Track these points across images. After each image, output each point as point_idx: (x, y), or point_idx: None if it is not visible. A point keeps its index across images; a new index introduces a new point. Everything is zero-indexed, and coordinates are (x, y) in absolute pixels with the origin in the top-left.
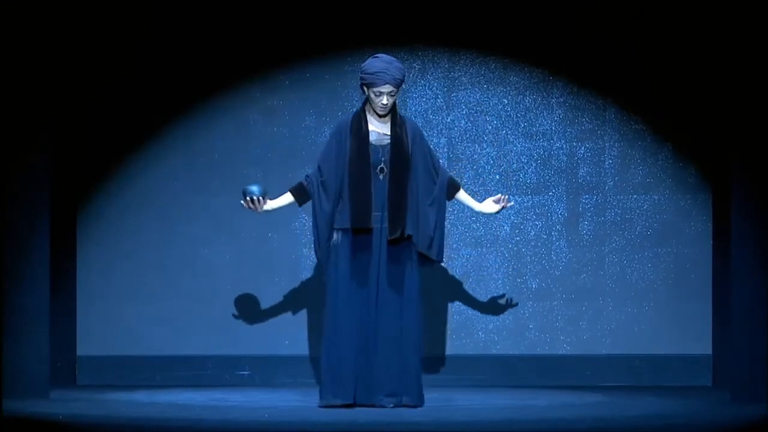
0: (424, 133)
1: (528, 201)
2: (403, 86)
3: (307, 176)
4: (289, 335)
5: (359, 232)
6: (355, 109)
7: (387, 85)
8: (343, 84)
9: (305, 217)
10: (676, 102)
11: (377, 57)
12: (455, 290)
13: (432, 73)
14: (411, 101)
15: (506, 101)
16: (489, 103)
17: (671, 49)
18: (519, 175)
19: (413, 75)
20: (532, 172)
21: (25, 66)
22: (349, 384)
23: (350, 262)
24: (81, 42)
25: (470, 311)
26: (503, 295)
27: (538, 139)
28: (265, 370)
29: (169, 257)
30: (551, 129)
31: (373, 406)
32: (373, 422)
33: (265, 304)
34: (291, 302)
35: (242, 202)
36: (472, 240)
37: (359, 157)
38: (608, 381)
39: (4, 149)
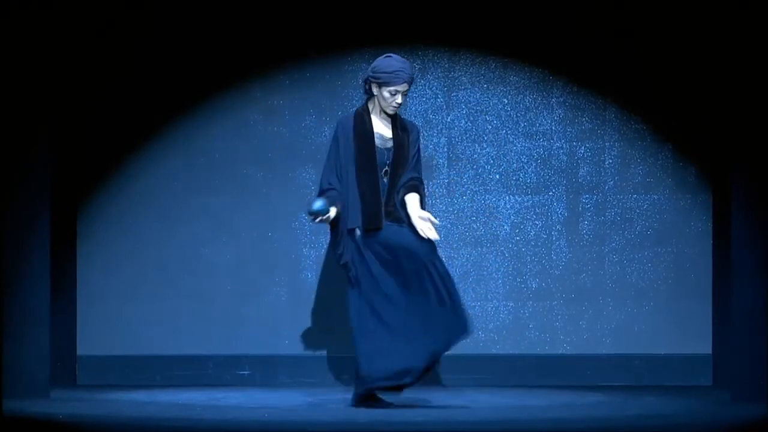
0: (423, 133)
1: (528, 201)
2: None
3: (330, 183)
4: (289, 335)
5: (369, 230)
6: (354, 109)
7: (404, 84)
8: (343, 84)
9: (305, 217)
10: (676, 102)
11: (390, 56)
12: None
13: (432, 73)
14: (411, 101)
15: (506, 101)
16: (489, 103)
17: (671, 49)
18: (519, 174)
19: (413, 75)
20: (532, 172)
21: (25, 66)
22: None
23: (368, 253)
24: (81, 42)
25: (470, 311)
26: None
27: (538, 139)
28: (265, 370)
29: (169, 257)
30: (551, 129)
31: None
32: (373, 422)
33: (265, 304)
34: (291, 302)
35: (314, 220)
36: (472, 240)
37: (368, 161)
38: (608, 381)
39: (4, 149)
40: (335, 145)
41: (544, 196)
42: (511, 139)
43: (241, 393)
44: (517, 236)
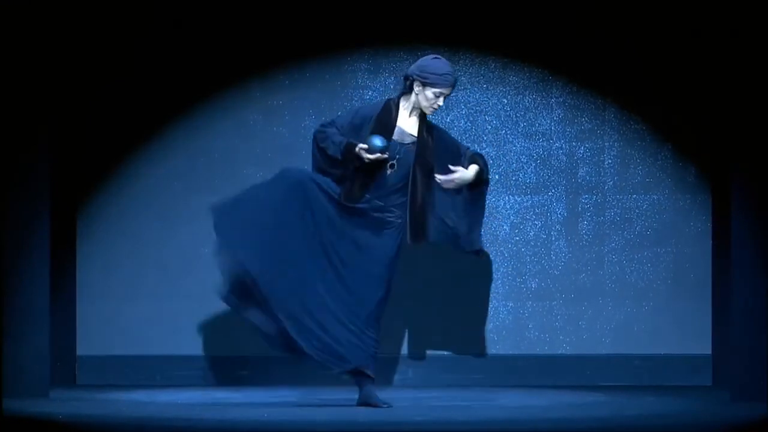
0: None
1: (527, 201)
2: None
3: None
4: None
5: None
6: (386, 97)
7: (449, 88)
8: (343, 84)
9: None
10: (676, 102)
11: (439, 59)
12: (455, 290)
13: None
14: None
15: (506, 101)
16: (488, 103)
17: (671, 49)
18: (518, 174)
19: None
20: (532, 172)
21: (25, 66)
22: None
23: (339, 220)
24: (81, 42)
25: (470, 311)
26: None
27: (538, 139)
28: (265, 370)
29: (169, 257)
30: (551, 129)
31: None
32: (373, 422)
33: None
34: None
35: (369, 156)
36: None
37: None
38: (608, 381)
39: (4, 149)
40: (352, 115)
41: (543, 196)
42: (510, 140)
43: (241, 393)
44: (516, 236)
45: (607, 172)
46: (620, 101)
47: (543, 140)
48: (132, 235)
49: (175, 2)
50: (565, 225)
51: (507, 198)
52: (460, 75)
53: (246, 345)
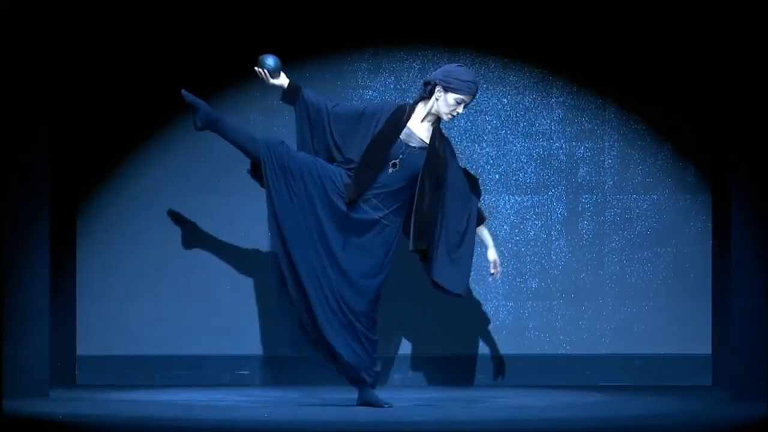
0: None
1: (527, 201)
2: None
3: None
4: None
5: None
6: (407, 101)
7: (471, 96)
8: (342, 84)
9: None
10: (676, 102)
11: (462, 66)
12: None
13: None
14: (411, 101)
15: (506, 101)
16: (488, 103)
17: (671, 49)
18: (518, 174)
19: (413, 75)
20: (532, 172)
21: (25, 66)
22: None
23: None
24: (81, 42)
25: (470, 311)
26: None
27: (538, 139)
28: (265, 370)
29: (169, 257)
30: (551, 129)
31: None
32: (373, 422)
33: (265, 304)
34: None
35: (256, 68)
36: None
37: (383, 144)
38: (608, 381)
39: (4, 149)
40: (367, 106)
41: (543, 196)
42: (510, 139)
43: (241, 393)
44: (516, 236)
45: (607, 172)
46: (620, 101)
47: (543, 140)
48: (132, 234)
49: (174, 2)
50: (565, 225)
51: (507, 198)
52: None
53: (246, 345)
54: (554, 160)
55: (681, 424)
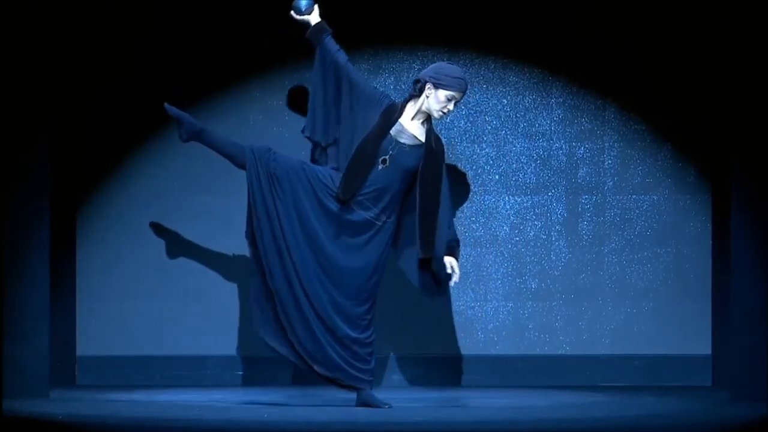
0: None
1: (527, 201)
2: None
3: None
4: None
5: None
6: (399, 99)
7: (461, 93)
8: None
9: None
10: (676, 102)
11: (453, 63)
12: (454, 290)
13: None
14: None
15: (505, 101)
16: (488, 104)
17: (671, 49)
18: (518, 175)
19: (413, 75)
20: (532, 173)
21: (25, 66)
22: None
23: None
24: (81, 42)
25: (470, 311)
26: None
27: (538, 140)
28: (264, 370)
29: (169, 257)
30: (550, 129)
31: None
32: (373, 422)
33: None
34: None
35: (292, 13)
36: (472, 240)
37: (374, 140)
38: (608, 381)
39: (4, 149)
40: (372, 88)
41: (543, 196)
42: (510, 140)
43: (241, 393)
44: (516, 237)
45: (607, 173)
46: (620, 101)
47: (543, 140)
48: (132, 235)
49: (174, 2)
50: (565, 225)
51: (507, 198)
52: None
53: (246, 345)
54: (554, 160)
55: (681, 424)
